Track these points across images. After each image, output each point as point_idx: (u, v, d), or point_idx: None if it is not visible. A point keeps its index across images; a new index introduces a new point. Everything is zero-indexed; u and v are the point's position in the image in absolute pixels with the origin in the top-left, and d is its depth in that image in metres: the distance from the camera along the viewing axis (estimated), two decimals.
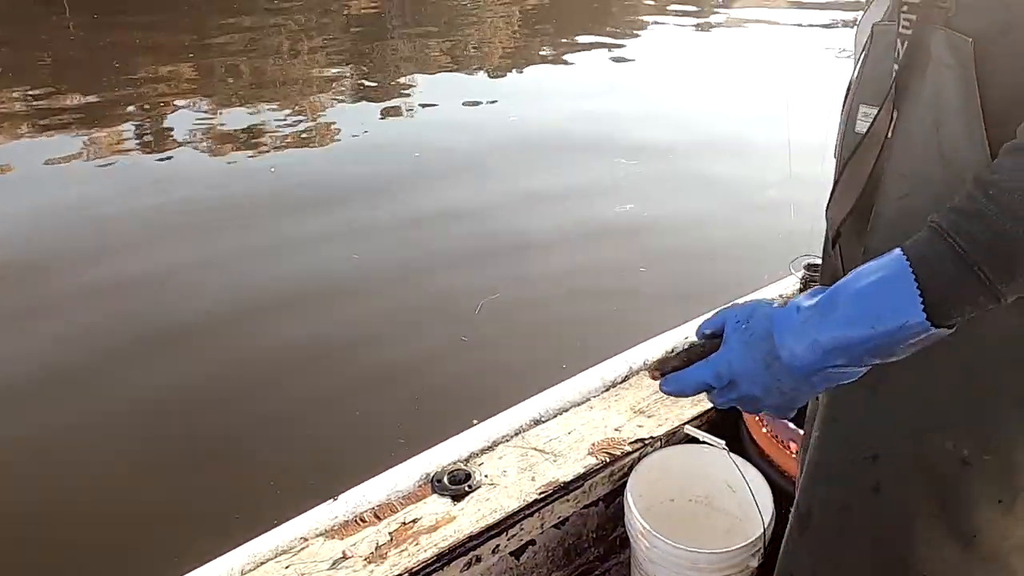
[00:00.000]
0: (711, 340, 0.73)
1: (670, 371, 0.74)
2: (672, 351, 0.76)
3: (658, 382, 0.75)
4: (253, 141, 6.06)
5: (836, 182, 0.87)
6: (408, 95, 7.41)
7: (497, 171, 5.16)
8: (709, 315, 0.75)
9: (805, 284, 2.05)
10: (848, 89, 0.88)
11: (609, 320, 3.43)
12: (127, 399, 3.12)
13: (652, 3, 12.38)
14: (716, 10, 11.39)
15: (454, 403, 2.92)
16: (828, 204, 0.89)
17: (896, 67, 0.76)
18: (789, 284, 2.15)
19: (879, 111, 0.78)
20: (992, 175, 0.60)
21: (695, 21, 10.73)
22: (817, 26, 9.49)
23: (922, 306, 0.59)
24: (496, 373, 3.12)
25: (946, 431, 0.79)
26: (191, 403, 3.11)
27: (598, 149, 5.52)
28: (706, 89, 7.10)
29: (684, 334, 1.94)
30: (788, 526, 0.99)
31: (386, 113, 6.80)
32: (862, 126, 0.81)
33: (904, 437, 0.82)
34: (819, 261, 1.93)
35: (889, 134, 0.78)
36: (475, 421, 1.78)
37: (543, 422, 1.68)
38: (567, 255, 4.06)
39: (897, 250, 0.62)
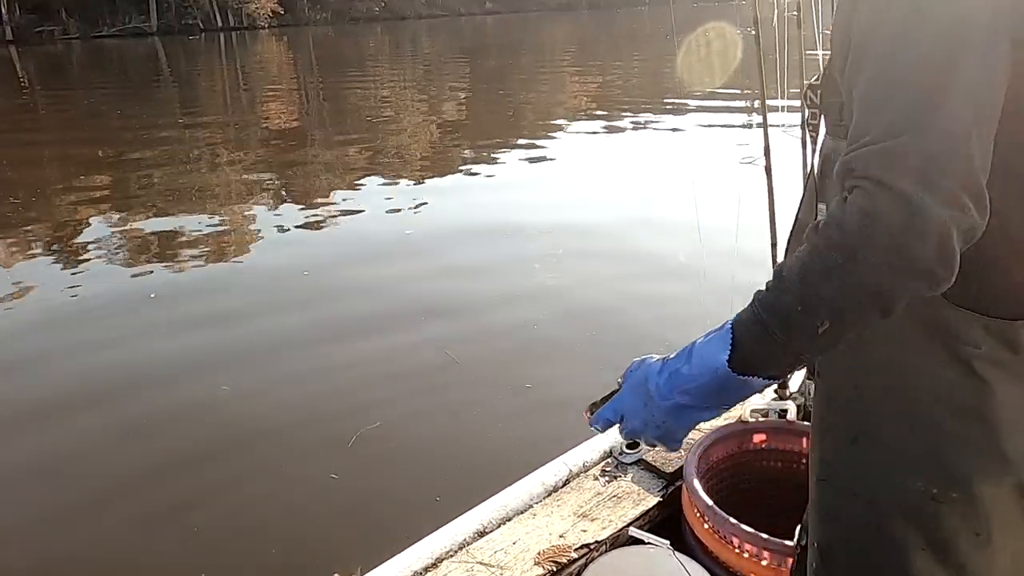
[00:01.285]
0: (619, 387, 0.92)
1: (598, 409, 0.92)
2: (605, 396, 0.93)
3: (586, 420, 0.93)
4: (155, 254, 5.96)
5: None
6: (327, 203, 7.46)
7: (397, 287, 4.96)
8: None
9: None
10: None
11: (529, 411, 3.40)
12: None
13: (564, 112, 13.02)
14: (624, 115, 12.05)
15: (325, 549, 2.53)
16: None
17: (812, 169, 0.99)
18: None
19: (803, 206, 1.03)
20: (788, 262, 0.76)
21: (605, 124, 11.31)
22: (719, 126, 10.16)
23: (727, 357, 0.77)
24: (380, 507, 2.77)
25: (917, 473, 0.89)
26: None
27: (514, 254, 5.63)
28: (617, 180, 7.44)
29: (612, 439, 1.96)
30: (809, 559, 1.07)
31: (302, 223, 6.81)
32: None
33: (886, 480, 0.92)
34: None
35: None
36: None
37: (487, 533, 1.66)
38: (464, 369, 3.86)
39: (729, 321, 0.80)
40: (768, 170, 1.59)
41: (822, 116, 0.96)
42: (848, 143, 0.75)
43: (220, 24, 55.96)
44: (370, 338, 4.20)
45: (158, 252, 6.06)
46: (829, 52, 0.93)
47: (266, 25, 56.90)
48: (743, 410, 1.97)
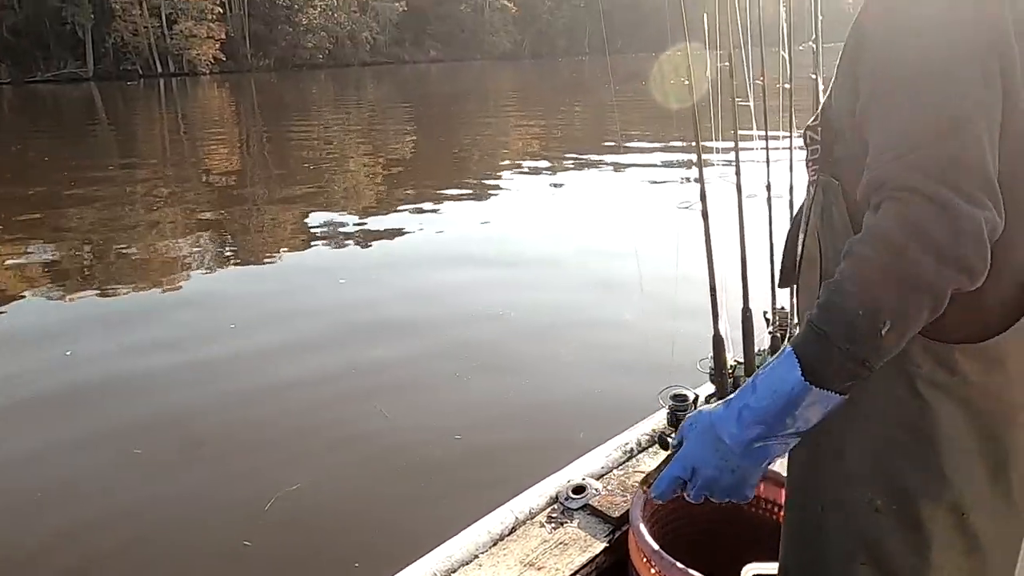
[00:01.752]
0: (678, 448, 0.90)
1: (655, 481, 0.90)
2: (658, 466, 0.92)
3: (646, 495, 0.92)
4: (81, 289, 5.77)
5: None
6: (263, 248, 7.36)
7: (327, 346, 4.70)
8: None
9: (672, 413, 2.13)
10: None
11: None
12: None
13: (508, 156, 13.20)
14: (567, 160, 12.28)
15: None
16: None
17: (810, 205, 1.05)
18: (659, 418, 2.23)
19: (806, 240, 1.07)
20: (836, 276, 0.81)
21: (548, 169, 11.50)
22: (657, 167, 10.43)
23: (800, 372, 0.80)
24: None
25: (866, 484, 0.95)
26: None
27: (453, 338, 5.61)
28: (559, 226, 7.51)
29: (561, 480, 1.95)
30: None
31: (236, 266, 6.69)
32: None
33: (839, 491, 0.98)
34: (685, 391, 2.04)
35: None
36: None
37: None
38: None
39: (788, 346, 0.83)
40: (705, 215, 1.63)
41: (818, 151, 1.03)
42: (870, 164, 0.83)
43: (160, 70, 55.30)
44: (294, 390, 4.05)
45: (83, 287, 5.87)
46: (827, 95, 1.01)
47: (207, 71, 56.45)
48: None
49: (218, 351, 4.64)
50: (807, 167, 1.06)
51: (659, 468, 0.91)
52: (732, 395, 0.88)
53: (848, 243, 0.82)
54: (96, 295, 5.99)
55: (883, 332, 0.78)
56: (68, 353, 4.72)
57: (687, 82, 1.54)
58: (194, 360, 4.53)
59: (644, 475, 0.94)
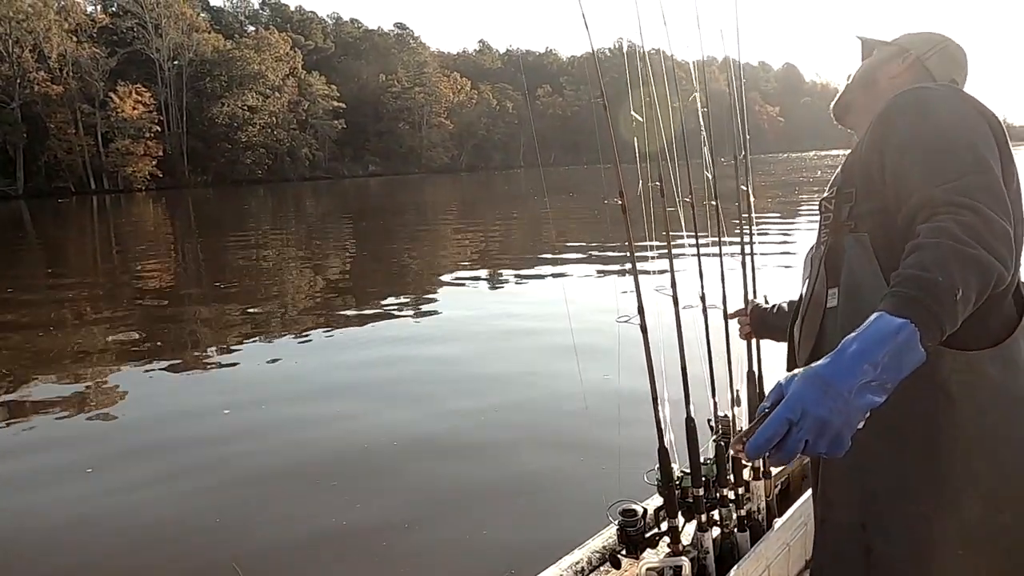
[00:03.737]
0: (773, 408, 0.91)
1: (751, 434, 0.90)
2: (752, 426, 0.92)
3: (741, 455, 0.94)
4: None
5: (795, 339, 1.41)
6: (205, 358, 7.13)
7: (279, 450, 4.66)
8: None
9: (622, 529, 2.08)
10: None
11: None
12: None
13: (447, 268, 13.32)
14: (505, 271, 12.48)
15: None
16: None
17: (823, 259, 1.33)
18: (608, 534, 2.17)
19: (815, 286, 1.35)
20: (909, 262, 0.99)
21: (488, 280, 11.65)
22: (594, 277, 10.67)
23: (901, 320, 0.92)
24: None
25: (907, 493, 1.19)
26: None
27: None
28: (500, 341, 7.52)
29: None
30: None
31: (166, 380, 6.45)
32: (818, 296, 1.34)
33: (877, 502, 1.22)
34: (634, 506, 2.00)
35: (832, 303, 1.30)
36: None
37: None
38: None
39: (878, 311, 0.95)
40: (644, 328, 1.66)
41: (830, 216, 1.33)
42: (918, 193, 1.09)
43: (94, 187, 54.87)
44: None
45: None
46: (841, 172, 1.33)
47: (143, 188, 56.22)
48: (640, 569, 1.92)
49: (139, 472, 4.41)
50: (820, 229, 1.38)
51: (753, 427, 0.90)
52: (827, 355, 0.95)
53: (912, 244, 1.02)
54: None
55: (957, 297, 0.94)
56: None
57: (619, 202, 1.60)
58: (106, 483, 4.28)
59: (741, 433, 0.93)
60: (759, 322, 1.96)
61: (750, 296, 2.15)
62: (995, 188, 1.06)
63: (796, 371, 0.93)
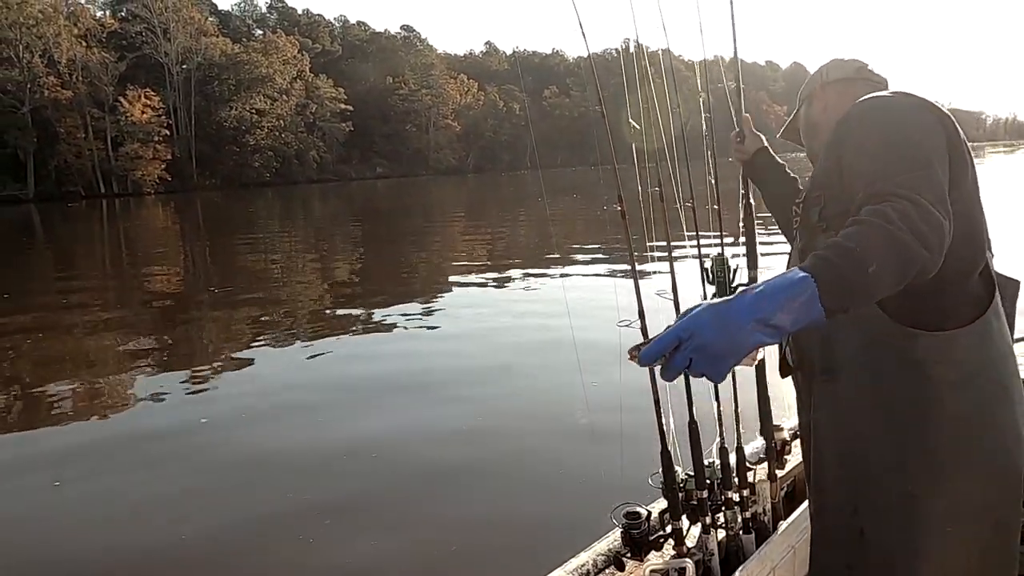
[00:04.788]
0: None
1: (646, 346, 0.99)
2: (647, 340, 1.02)
3: (634, 360, 1.02)
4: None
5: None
6: (212, 366, 7.17)
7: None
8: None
9: (626, 532, 2.09)
10: None
11: None
12: None
13: (453, 275, 13.33)
14: (512, 272, 12.48)
15: None
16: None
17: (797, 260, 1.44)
18: (613, 537, 2.18)
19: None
20: (840, 235, 1.06)
21: (495, 282, 11.66)
22: (597, 280, 10.67)
23: (805, 274, 0.99)
24: None
25: (896, 471, 1.26)
26: None
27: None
28: (507, 343, 7.53)
29: None
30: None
31: (180, 386, 6.49)
32: None
33: (868, 485, 1.30)
34: (639, 509, 2.01)
35: None
36: None
37: None
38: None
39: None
40: (644, 331, 1.66)
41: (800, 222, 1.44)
42: (866, 186, 1.15)
43: (103, 190, 55.17)
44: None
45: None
46: (811, 180, 1.44)
47: (152, 191, 56.49)
48: (644, 571, 1.93)
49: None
50: (794, 231, 1.48)
51: (647, 341, 0.99)
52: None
53: (850, 220, 1.08)
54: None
55: (869, 270, 1.00)
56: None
57: (619, 208, 1.61)
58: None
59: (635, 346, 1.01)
60: (751, 165, 1.99)
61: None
62: (935, 183, 1.14)
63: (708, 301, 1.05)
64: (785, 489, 2.51)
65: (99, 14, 64.01)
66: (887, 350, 1.25)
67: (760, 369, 2.18)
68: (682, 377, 1.93)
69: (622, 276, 10.33)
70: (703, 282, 1.99)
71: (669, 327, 1.01)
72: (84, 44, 56.67)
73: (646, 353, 0.99)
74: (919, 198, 1.08)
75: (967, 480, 1.23)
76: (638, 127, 1.47)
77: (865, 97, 1.35)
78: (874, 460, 1.27)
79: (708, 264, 1.90)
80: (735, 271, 1.88)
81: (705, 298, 2.08)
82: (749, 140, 1.98)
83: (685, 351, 0.97)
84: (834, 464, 1.34)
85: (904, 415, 1.24)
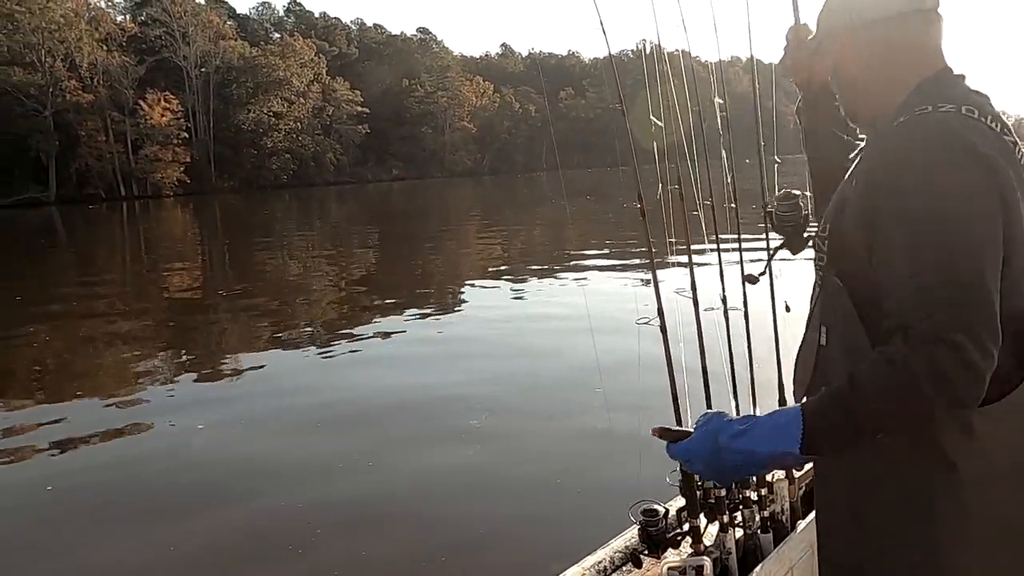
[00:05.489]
0: (690, 430, 1.17)
1: (670, 439, 1.18)
2: (673, 428, 1.21)
3: (664, 441, 1.18)
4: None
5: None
6: (230, 370, 7.23)
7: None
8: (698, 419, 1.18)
9: (644, 529, 2.09)
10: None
11: None
12: None
13: (469, 277, 13.35)
14: (527, 274, 12.48)
15: None
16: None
17: (817, 298, 1.28)
18: (631, 534, 2.18)
19: (808, 324, 1.31)
20: (864, 383, 1.00)
21: (511, 284, 11.67)
22: (618, 294, 10.65)
23: (798, 446, 1.03)
24: None
25: (905, 546, 1.16)
26: None
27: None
28: (524, 343, 7.55)
29: None
30: None
31: (199, 391, 6.55)
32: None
33: (877, 553, 1.20)
34: (656, 506, 2.02)
35: (823, 342, 1.24)
36: None
37: None
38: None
39: (797, 407, 1.06)
40: (663, 329, 1.67)
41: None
42: (900, 304, 1.02)
43: (123, 193, 55.73)
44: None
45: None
46: (832, 214, 1.21)
47: (171, 193, 56.99)
48: (661, 568, 1.93)
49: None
50: (815, 268, 1.29)
51: (676, 434, 1.18)
52: (750, 416, 1.12)
53: (878, 358, 1.01)
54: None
55: (878, 436, 1.04)
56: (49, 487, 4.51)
57: (639, 206, 1.62)
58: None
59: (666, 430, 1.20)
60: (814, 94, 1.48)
61: (778, 306, 2.13)
62: (984, 304, 0.99)
63: (713, 417, 1.14)
64: (803, 489, 2.51)
65: (119, 18, 64.71)
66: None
67: (780, 371, 2.18)
68: (700, 375, 1.95)
69: (640, 274, 10.31)
70: (720, 280, 1.99)
71: (688, 438, 1.15)
72: (105, 48, 57.28)
73: (671, 451, 1.18)
74: (964, 342, 0.96)
75: (982, 564, 1.13)
76: (660, 124, 1.47)
77: (909, 132, 1.10)
78: (884, 529, 1.17)
79: (773, 207, 1.58)
80: (806, 214, 1.52)
81: (725, 300, 2.09)
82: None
83: (690, 466, 1.19)
84: (843, 525, 1.25)
85: (918, 492, 1.13)
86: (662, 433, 1.19)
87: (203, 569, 3.49)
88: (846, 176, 1.25)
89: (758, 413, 2.15)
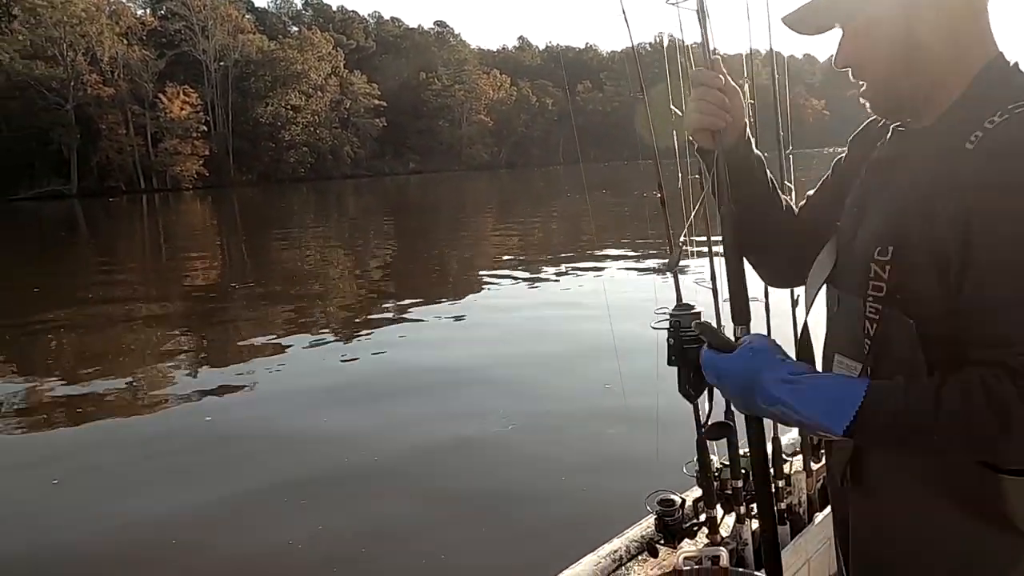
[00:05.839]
0: (734, 343, 1.06)
1: (710, 339, 1.06)
2: (717, 327, 1.11)
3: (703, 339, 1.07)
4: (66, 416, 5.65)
5: None
6: (246, 364, 7.30)
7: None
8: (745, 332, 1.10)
9: (660, 519, 2.10)
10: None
11: None
12: None
13: (487, 270, 13.36)
14: (545, 267, 12.47)
15: None
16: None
17: (868, 340, 1.02)
18: (647, 524, 2.20)
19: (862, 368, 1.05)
20: (944, 397, 0.87)
21: (528, 277, 11.67)
22: (634, 274, 10.63)
23: (847, 423, 0.91)
24: None
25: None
26: None
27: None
28: (541, 338, 7.54)
29: None
30: None
31: (215, 383, 6.62)
32: (839, 368, 1.10)
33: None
34: (673, 497, 2.02)
35: None
36: None
37: None
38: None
39: (859, 386, 0.93)
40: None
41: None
42: (1016, 336, 0.86)
43: (143, 186, 56.25)
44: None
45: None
46: (896, 232, 0.99)
47: (191, 187, 57.44)
48: (677, 558, 1.95)
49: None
50: (863, 297, 1.02)
51: (720, 343, 1.05)
52: (802, 365, 1.01)
53: (977, 387, 0.86)
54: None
55: (926, 448, 0.94)
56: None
57: (659, 195, 1.62)
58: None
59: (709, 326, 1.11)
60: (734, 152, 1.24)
61: (799, 316, 2.13)
62: None
63: (762, 344, 1.02)
64: (821, 482, 2.50)
65: (140, 12, 65.27)
66: (940, 484, 1.00)
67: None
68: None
69: (658, 265, 10.28)
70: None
71: (729, 353, 1.03)
72: (125, 42, 57.83)
73: (705, 362, 1.06)
74: None
75: None
76: (680, 113, 1.47)
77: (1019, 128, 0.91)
78: None
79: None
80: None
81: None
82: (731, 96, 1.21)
83: (715, 385, 1.06)
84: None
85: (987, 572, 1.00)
86: (704, 329, 1.08)
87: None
88: (870, 185, 1.08)
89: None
